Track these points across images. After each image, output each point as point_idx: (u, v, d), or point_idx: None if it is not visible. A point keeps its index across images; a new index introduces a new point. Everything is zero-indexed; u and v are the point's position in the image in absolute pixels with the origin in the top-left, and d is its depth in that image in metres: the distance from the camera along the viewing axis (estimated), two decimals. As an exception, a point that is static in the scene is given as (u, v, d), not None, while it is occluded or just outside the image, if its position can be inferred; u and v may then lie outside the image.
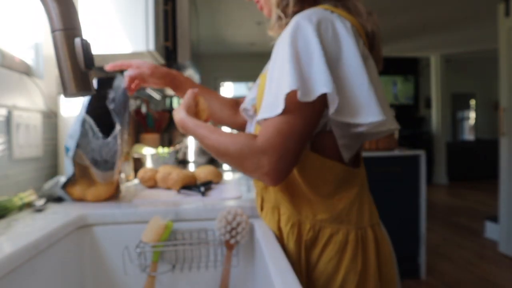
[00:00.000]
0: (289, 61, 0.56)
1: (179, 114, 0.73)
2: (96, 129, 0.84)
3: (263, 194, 0.74)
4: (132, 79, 0.89)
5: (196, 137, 0.68)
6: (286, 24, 0.66)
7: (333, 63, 0.56)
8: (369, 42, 0.67)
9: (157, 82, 0.91)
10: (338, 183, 0.64)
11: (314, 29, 0.57)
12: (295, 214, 0.65)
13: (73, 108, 1.02)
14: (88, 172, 0.85)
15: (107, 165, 0.86)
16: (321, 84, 0.54)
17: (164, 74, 0.92)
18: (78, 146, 0.82)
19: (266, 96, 0.61)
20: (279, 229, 0.69)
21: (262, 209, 0.76)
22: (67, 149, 0.84)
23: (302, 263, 0.64)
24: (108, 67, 0.89)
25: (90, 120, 0.83)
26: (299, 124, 0.56)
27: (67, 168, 0.86)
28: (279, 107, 0.55)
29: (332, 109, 0.55)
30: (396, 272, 0.69)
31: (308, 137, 0.60)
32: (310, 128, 0.59)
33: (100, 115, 0.87)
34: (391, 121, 0.61)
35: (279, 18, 0.69)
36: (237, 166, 0.62)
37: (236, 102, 1.01)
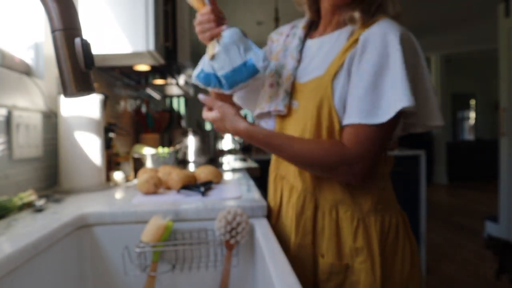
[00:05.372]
0: (402, 72, 0.61)
1: (239, 123, 0.72)
2: None
3: (317, 195, 0.73)
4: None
5: (269, 146, 0.70)
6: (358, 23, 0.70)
7: (415, 76, 0.66)
8: None
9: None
10: (386, 175, 0.74)
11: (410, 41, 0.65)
12: (357, 210, 0.70)
13: (73, 108, 1.02)
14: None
15: None
16: (404, 99, 0.61)
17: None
18: None
19: (365, 97, 0.63)
20: (338, 227, 0.71)
21: (315, 211, 0.73)
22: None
23: (374, 254, 0.69)
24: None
25: None
26: (388, 132, 0.66)
27: None
28: (384, 118, 0.61)
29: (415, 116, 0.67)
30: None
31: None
32: (392, 133, 0.68)
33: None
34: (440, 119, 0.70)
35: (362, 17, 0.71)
36: (326, 172, 0.68)
37: None
